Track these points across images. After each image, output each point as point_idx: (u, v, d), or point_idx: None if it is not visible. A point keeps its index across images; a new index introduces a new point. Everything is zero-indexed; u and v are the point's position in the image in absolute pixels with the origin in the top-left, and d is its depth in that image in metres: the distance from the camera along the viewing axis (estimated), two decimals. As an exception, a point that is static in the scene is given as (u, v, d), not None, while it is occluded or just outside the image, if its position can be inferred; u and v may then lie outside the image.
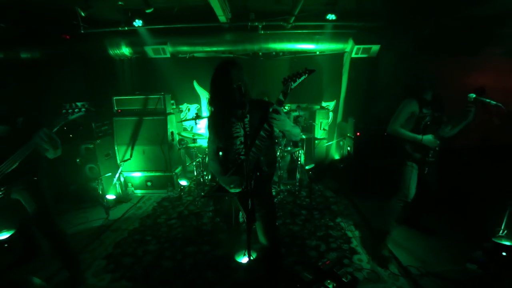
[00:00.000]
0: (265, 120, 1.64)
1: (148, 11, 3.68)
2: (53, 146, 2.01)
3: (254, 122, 1.74)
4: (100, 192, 3.81)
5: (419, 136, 2.38)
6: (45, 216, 2.23)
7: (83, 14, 3.73)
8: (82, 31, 4.15)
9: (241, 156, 1.77)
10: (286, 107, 4.93)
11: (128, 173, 4.33)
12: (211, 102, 1.82)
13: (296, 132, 1.74)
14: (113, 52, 4.71)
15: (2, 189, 1.98)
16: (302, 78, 1.60)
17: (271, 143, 1.87)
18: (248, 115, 1.75)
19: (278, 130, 1.71)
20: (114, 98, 4.20)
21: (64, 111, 2.01)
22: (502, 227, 2.35)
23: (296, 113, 4.40)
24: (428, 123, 2.40)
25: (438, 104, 2.47)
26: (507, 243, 2.23)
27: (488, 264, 2.19)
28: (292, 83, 1.59)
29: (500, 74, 2.84)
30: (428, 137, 2.38)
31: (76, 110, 2.03)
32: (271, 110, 1.60)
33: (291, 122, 1.72)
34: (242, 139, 1.75)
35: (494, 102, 2.05)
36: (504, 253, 2.15)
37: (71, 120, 2.04)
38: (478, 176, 2.93)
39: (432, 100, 2.46)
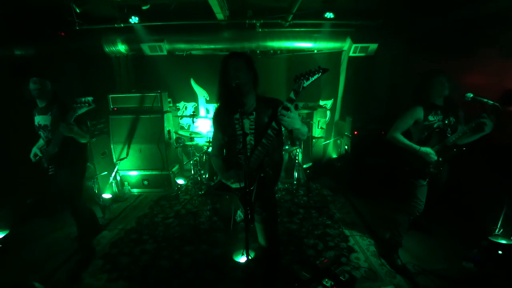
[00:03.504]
0: (274, 118, 1.57)
1: (144, 7, 3.64)
2: (76, 135, 2.34)
3: (261, 120, 1.68)
4: (96, 191, 3.77)
5: (417, 147, 2.22)
6: (74, 195, 2.62)
7: (78, 10, 3.67)
8: (77, 28, 4.09)
9: (239, 156, 1.75)
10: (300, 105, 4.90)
11: (125, 172, 4.29)
12: (217, 97, 1.78)
13: (305, 131, 1.66)
14: (108, 49, 4.65)
15: (51, 167, 2.46)
16: (316, 76, 1.51)
17: (279, 144, 1.79)
18: (254, 113, 1.70)
19: (284, 129, 1.63)
20: (110, 96, 4.15)
21: (75, 105, 2.23)
22: (498, 226, 2.38)
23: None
24: (436, 130, 2.20)
25: (451, 108, 2.26)
26: (503, 241, 2.25)
27: (484, 262, 2.21)
28: (305, 81, 1.49)
29: (496, 74, 2.86)
30: (426, 150, 2.19)
31: (83, 105, 2.23)
32: (280, 108, 1.51)
33: (300, 120, 1.63)
34: (247, 137, 1.70)
35: (492, 102, 2.05)
36: (500, 252, 2.17)
37: (80, 113, 2.26)
38: (475, 175, 2.95)
39: (444, 105, 2.25)
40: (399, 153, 2.41)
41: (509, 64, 2.72)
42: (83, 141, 2.50)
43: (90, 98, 2.22)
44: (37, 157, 2.59)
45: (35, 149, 2.63)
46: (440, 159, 2.25)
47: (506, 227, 2.37)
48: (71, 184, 2.58)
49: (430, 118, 2.24)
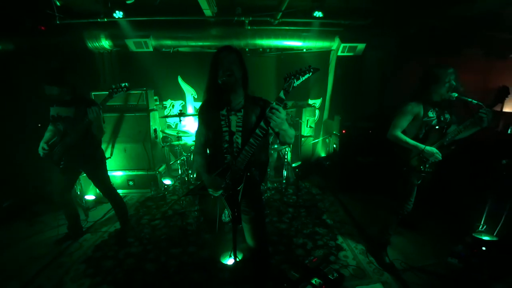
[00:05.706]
0: (262, 118, 1.53)
1: (129, 1, 3.52)
2: (97, 122, 2.51)
3: (249, 118, 1.64)
4: (79, 193, 3.63)
5: (421, 146, 2.14)
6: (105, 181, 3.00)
7: (58, 3, 3.51)
8: (58, 22, 3.91)
9: (225, 155, 1.70)
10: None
11: (109, 172, 4.11)
12: (205, 91, 1.72)
13: (291, 133, 1.63)
14: (92, 44, 4.48)
15: (63, 160, 2.59)
16: (306, 76, 1.48)
17: (265, 143, 1.75)
18: (242, 110, 1.66)
19: (270, 130, 1.61)
20: (93, 93, 3.99)
21: (110, 90, 2.45)
22: (482, 222, 2.43)
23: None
24: (435, 127, 2.16)
25: (446, 105, 2.22)
26: (487, 238, 2.30)
27: (468, 258, 2.25)
28: (295, 80, 1.46)
29: (480, 73, 2.93)
30: (432, 149, 2.13)
31: (119, 89, 2.47)
32: (269, 108, 1.47)
33: (288, 121, 1.60)
34: (233, 136, 1.65)
35: (476, 101, 2.09)
36: (484, 248, 2.22)
37: (114, 97, 2.50)
38: (459, 171, 3.01)
39: (440, 101, 2.20)
40: (397, 152, 2.34)
41: (492, 63, 2.80)
42: (99, 134, 2.65)
43: (127, 84, 2.47)
44: (45, 151, 2.58)
45: (42, 144, 2.61)
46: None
47: (490, 223, 2.43)
48: (104, 173, 2.95)
49: (430, 114, 2.19)
